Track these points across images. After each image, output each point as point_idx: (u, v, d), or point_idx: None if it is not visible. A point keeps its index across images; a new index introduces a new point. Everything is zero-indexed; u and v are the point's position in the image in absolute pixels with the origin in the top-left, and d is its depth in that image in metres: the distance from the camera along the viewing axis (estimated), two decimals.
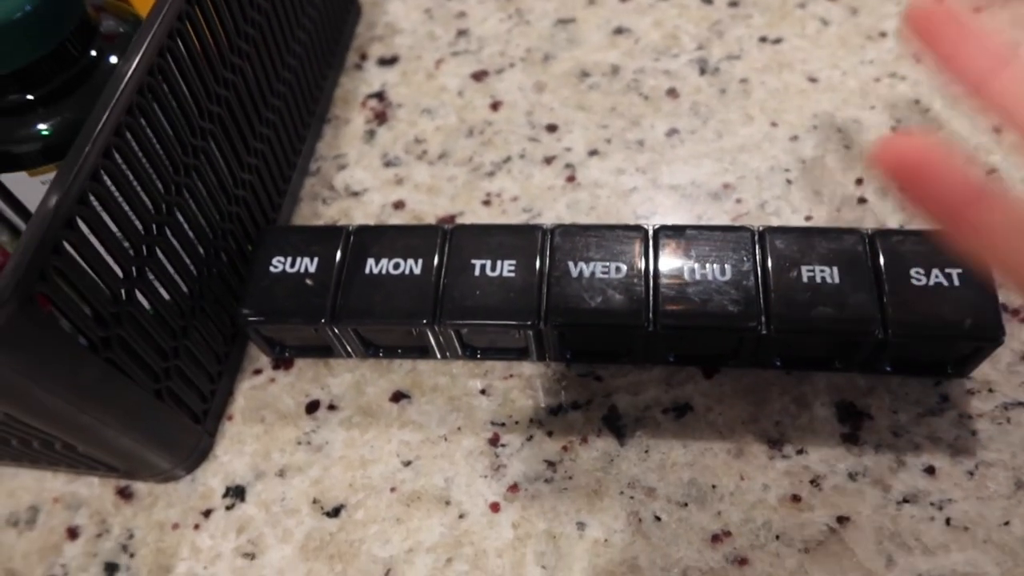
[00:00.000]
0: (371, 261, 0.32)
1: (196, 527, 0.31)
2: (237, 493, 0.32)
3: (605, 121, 0.41)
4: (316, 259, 0.32)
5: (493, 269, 0.31)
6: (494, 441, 0.32)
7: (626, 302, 0.30)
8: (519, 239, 0.32)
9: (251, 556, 0.30)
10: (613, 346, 0.32)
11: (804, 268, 0.30)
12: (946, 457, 0.29)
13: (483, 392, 0.33)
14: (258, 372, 0.35)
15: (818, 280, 0.30)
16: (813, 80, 0.41)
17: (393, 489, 0.31)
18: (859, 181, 0.37)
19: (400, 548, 0.30)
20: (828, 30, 0.43)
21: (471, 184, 0.39)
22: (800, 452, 0.30)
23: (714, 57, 0.43)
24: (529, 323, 0.30)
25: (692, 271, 0.30)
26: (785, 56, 0.42)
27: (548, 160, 0.40)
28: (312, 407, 0.33)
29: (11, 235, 0.31)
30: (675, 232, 0.31)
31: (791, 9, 0.44)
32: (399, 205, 0.39)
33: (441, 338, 0.32)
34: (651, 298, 0.30)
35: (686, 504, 0.29)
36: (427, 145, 0.41)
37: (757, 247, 0.31)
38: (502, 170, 0.40)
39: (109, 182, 0.24)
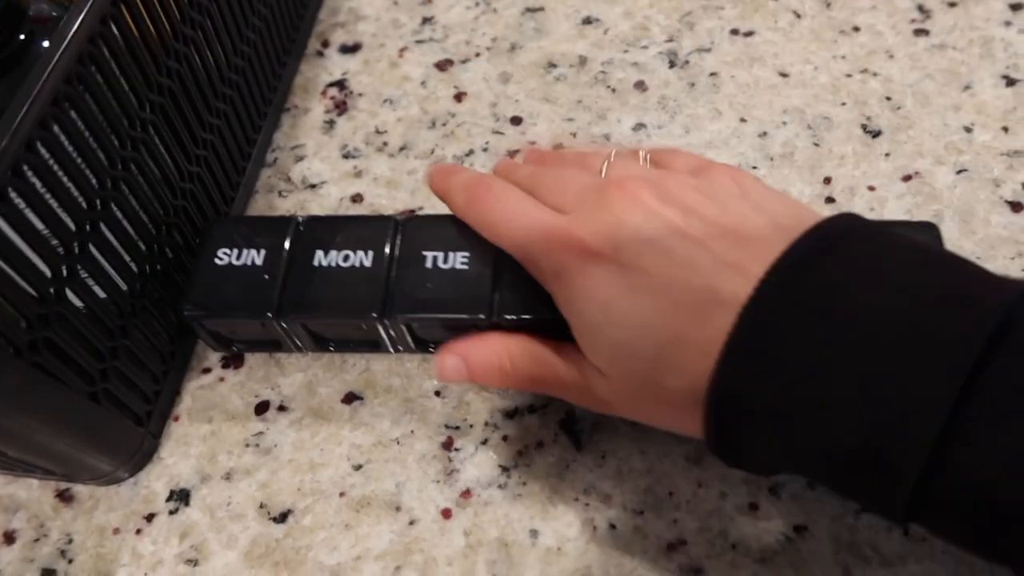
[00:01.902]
0: (320, 253, 0.31)
1: (138, 532, 0.30)
2: (181, 497, 0.31)
3: (571, 114, 0.40)
4: (263, 251, 0.31)
5: (445, 261, 0.30)
6: (448, 445, 0.31)
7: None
8: (472, 230, 0.31)
9: (194, 562, 0.29)
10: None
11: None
12: None
13: (438, 394, 0.32)
14: (207, 371, 0.34)
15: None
16: (784, 75, 0.40)
17: (342, 494, 0.30)
18: (827, 180, 0.36)
19: (348, 555, 0.29)
20: (801, 23, 0.42)
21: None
22: None
23: (684, 49, 0.42)
24: (482, 316, 0.29)
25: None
26: (756, 50, 0.41)
27: (512, 154, 0.39)
28: (262, 408, 0.32)
29: None
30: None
31: (764, 1, 0.43)
32: (357, 199, 0.38)
33: (392, 332, 0.31)
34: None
35: (642, 512, 0.29)
36: (388, 137, 0.40)
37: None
38: (465, 163, 0.38)
39: (33, 176, 0.23)
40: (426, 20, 0.45)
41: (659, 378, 0.23)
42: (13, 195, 0.22)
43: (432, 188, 0.31)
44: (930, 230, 0.29)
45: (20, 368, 0.23)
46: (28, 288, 0.23)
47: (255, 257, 0.31)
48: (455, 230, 0.31)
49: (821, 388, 0.19)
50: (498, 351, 0.27)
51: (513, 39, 0.43)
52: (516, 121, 0.40)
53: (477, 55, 0.43)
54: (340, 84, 0.42)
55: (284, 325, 0.30)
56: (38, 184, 0.23)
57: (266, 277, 0.30)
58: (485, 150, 0.39)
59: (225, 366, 0.34)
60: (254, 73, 0.38)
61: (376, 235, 0.31)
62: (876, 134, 0.38)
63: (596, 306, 0.24)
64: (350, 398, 0.32)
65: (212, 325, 0.31)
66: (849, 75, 0.40)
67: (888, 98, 0.39)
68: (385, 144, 0.40)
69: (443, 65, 0.43)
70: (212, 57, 0.33)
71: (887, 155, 0.37)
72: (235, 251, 0.31)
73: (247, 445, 0.32)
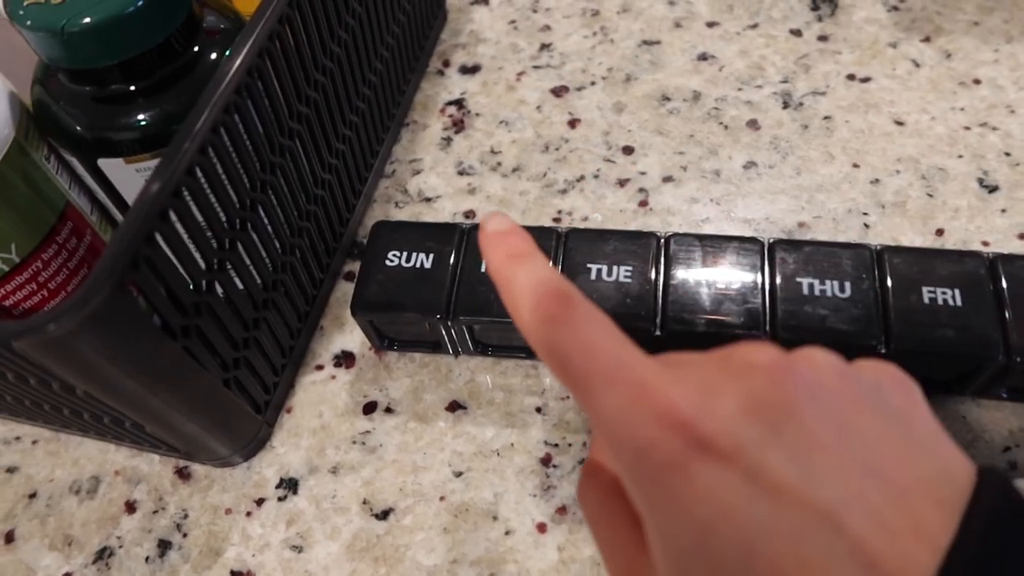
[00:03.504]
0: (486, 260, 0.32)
1: (248, 514, 0.32)
2: (290, 485, 0.32)
3: (682, 148, 0.41)
4: (432, 255, 0.33)
5: (609, 274, 0.31)
6: (546, 461, 0.32)
7: (742, 313, 0.30)
8: (635, 245, 0.32)
9: (299, 549, 0.31)
10: None
11: (925, 289, 0.30)
12: None
13: (539, 410, 0.33)
14: (319, 368, 0.35)
15: (939, 302, 0.29)
16: (900, 123, 0.40)
17: (442, 498, 0.31)
18: (939, 232, 0.36)
19: (444, 558, 0.30)
20: (919, 72, 0.42)
21: (543, 200, 0.39)
22: None
23: (799, 91, 0.42)
24: (638, 329, 0.30)
25: (811, 287, 0.30)
26: (872, 96, 0.41)
27: (622, 183, 0.40)
28: (369, 408, 0.34)
29: (100, 216, 0.32)
30: (791, 247, 0.31)
31: (882, 48, 0.43)
32: (470, 215, 0.39)
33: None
34: (767, 312, 0.30)
35: None
36: (502, 157, 0.41)
37: (876, 266, 0.31)
38: (575, 188, 0.40)
39: (202, 177, 0.25)
40: (544, 46, 0.46)
41: None
42: (185, 193, 0.24)
43: (482, 246, 0.22)
44: None
45: (174, 350, 0.25)
46: (187, 277, 0.25)
47: (424, 260, 0.33)
48: (617, 245, 0.32)
49: None
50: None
51: (628, 70, 0.44)
52: (628, 151, 0.41)
53: (592, 83, 0.44)
54: (459, 103, 0.44)
55: (451, 326, 0.32)
56: (204, 184, 0.25)
57: (436, 280, 0.32)
58: (596, 177, 0.40)
59: (337, 365, 0.35)
60: (383, 88, 0.39)
61: (541, 245, 0.32)
62: (993, 189, 0.37)
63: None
64: (454, 406, 0.34)
65: (380, 322, 0.33)
66: (967, 128, 0.40)
67: (1007, 153, 0.38)
68: (499, 164, 0.41)
69: (559, 91, 0.44)
70: (352, 72, 0.35)
71: (1003, 211, 0.36)
72: (404, 254, 0.33)
73: (354, 442, 0.33)
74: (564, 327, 0.17)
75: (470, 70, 0.46)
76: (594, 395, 0.17)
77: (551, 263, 0.32)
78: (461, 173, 0.41)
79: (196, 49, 0.28)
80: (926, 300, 0.30)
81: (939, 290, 0.30)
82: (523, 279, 0.19)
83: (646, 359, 0.17)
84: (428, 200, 0.40)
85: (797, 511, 0.15)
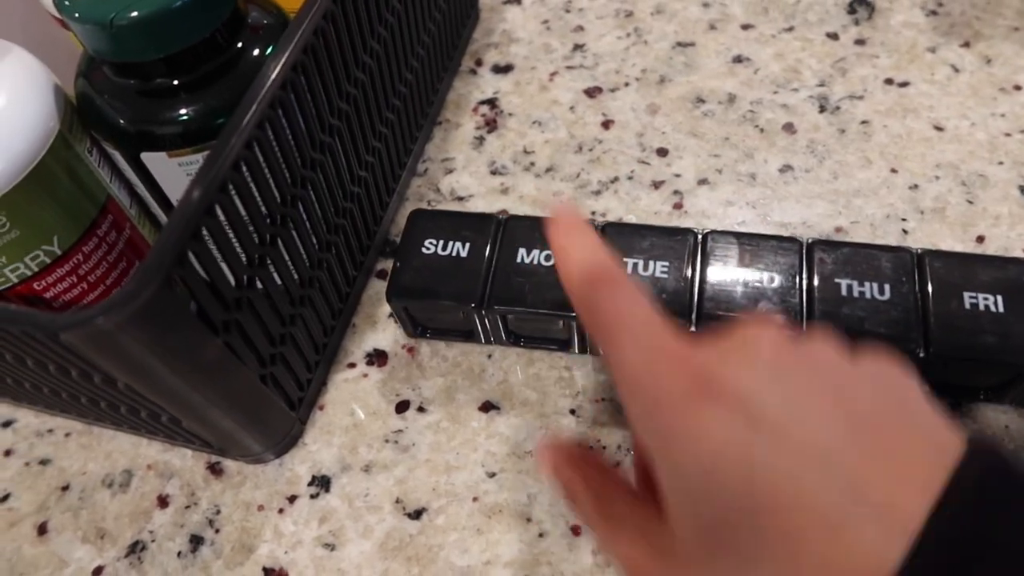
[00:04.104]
0: (523, 251, 0.32)
1: (280, 511, 0.32)
2: (322, 483, 0.32)
3: (717, 150, 0.40)
4: (468, 244, 0.33)
5: (645, 269, 0.31)
6: None
7: (779, 312, 0.30)
8: (672, 241, 0.32)
9: (331, 547, 0.31)
10: None
11: (967, 294, 0.29)
12: None
13: (572, 412, 0.33)
14: (352, 366, 0.35)
15: (981, 307, 0.29)
16: (939, 128, 0.40)
17: (476, 499, 0.31)
18: (980, 239, 0.36)
19: (478, 559, 0.30)
20: (959, 78, 0.42)
21: (577, 201, 0.39)
22: None
23: (835, 95, 0.42)
24: (682, 324, 0.30)
25: (849, 288, 0.30)
26: (911, 101, 0.41)
27: (656, 184, 0.39)
28: (402, 407, 0.34)
29: (139, 211, 0.32)
30: (830, 247, 0.31)
31: (921, 52, 0.43)
32: (502, 214, 0.39)
33: (586, 332, 0.32)
34: (804, 312, 0.30)
35: None
36: (535, 157, 0.41)
37: (916, 270, 0.30)
38: (609, 190, 0.39)
39: (247, 172, 0.25)
40: (577, 47, 0.46)
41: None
42: (231, 188, 0.24)
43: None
44: None
45: (216, 345, 0.25)
46: (229, 274, 0.25)
47: (460, 249, 0.33)
48: (654, 240, 0.32)
49: None
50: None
51: (663, 72, 0.44)
52: (662, 152, 0.41)
53: (626, 84, 0.44)
54: (491, 103, 0.44)
55: (486, 315, 0.32)
56: (249, 179, 0.25)
57: (472, 269, 0.32)
58: (630, 178, 0.40)
59: (369, 363, 0.35)
60: (418, 86, 0.39)
61: None
62: None
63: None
64: (487, 407, 0.33)
65: (415, 309, 0.34)
66: (1008, 134, 0.39)
67: None
68: (532, 164, 0.41)
69: (592, 92, 0.44)
70: (389, 70, 0.35)
71: None
72: (440, 242, 0.33)
73: (387, 441, 0.33)
74: (605, 288, 0.19)
75: (503, 69, 0.46)
76: (621, 349, 0.19)
77: None
78: (494, 173, 0.41)
79: (240, 45, 0.28)
80: (967, 305, 0.29)
81: (981, 296, 0.29)
82: (579, 251, 0.20)
83: (672, 327, 0.19)
84: (461, 199, 0.40)
85: (796, 448, 0.16)
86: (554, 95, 0.44)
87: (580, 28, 0.47)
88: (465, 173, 0.41)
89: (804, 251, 0.31)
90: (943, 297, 0.29)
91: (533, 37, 0.47)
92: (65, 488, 0.33)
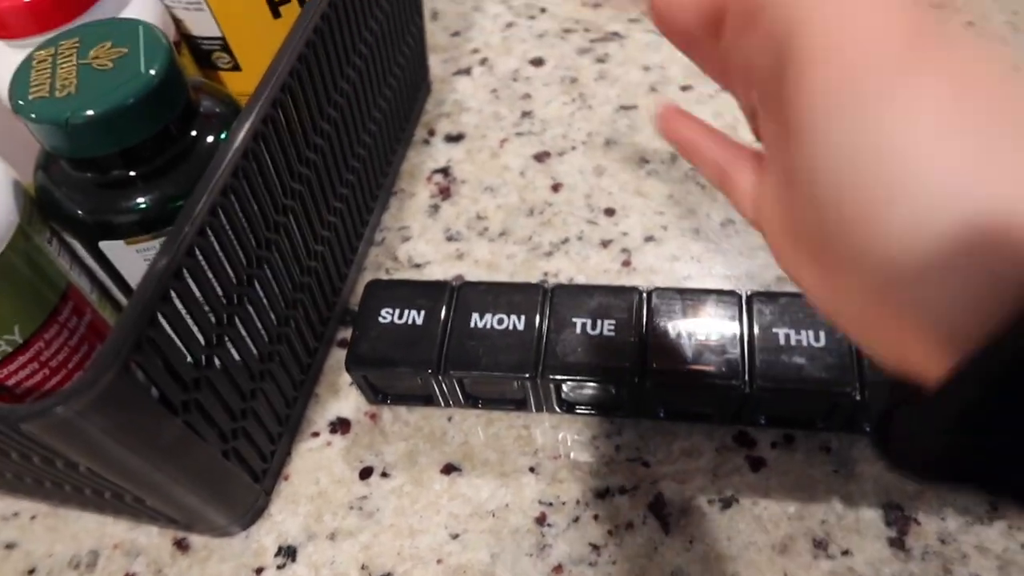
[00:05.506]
0: (476, 316, 0.34)
1: None
2: (289, 553, 0.33)
3: (662, 208, 0.42)
4: (423, 312, 0.34)
5: (594, 328, 0.33)
6: (541, 520, 0.32)
7: (723, 363, 0.31)
8: (619, 300, 0.33)
9: None
10: (707, 406, 0.34)
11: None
12: (994, 569, 0.29)
13: (532, 470, 0.34)
14: (315, 435, 0.36)
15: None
16: None
17: (440, 561, 0.32)
18: None
19: None
20: None
21: (529, 263, 0.41)
22: (845, 553, 0.30)
23: None
24: (624, 380, 0.32)
25: (787, 337, 0.32)
26: None
27: (605, 243, 0.41)
28: (366, 473, 0.35)
29: (100, 295, 0.33)
30: (768, 298, 0.33)
31: None
32: (458, 280, 0.40)
33: (541, 392, 0.33)
34: (746, 362, 0.31)
35: None
36: (488, 222, 0.43)
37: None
38: (560, 251, 0.41)
39: (201, 258, 0.26)
40: (525, 114, 0.48)
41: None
42: (186, 274, 0.25)
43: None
44: None
45: (176, 425, 0.26)
46: (187, 353, 0.26)
47: (416, 317, 0.34)
48: (601, 300, 0.33)
49: None
50: None
51: (607, 134, 0.46)
52: (609, 212, 0.42)
53: (573, 148, 0.46)
54: (444, 171, 0.46)
55: (443, 380, 0.33)
56: (203, 264, 0.26)
57: (428, 336, 0.33)
58: (580, 239, 0.41)
59: (333, 431, 0.36)
60: (371, 160, 0.41)
61: (528, 301, 0.34)
62: None
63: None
64: (449, 469, 0.34)
65: (374, 377, 0.34)
66: None
67: None
68: (486, 229, 0.42)
69: (541, 157, 0.46)
70: (342, 146, 0.36)
71: None
72: (396, 311, 0.34)
73: (351, 507, 0.34)
74: None
75: (455, 138, 0.47)
76: None
77: (538, 318, 0.33)
78: (449, 239, 0.42)
79: (193, 133, 0.29)
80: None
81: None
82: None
83: None
84: (418, 266, 0.41)
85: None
86: (505, 161, 0.46)
87: (528, 96, 0.49)
88: (421, 241, 0.43)
89: (744, 303, 0.33)
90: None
91: (483, 106, 0.49)
92: (32, 572, 0.34)
